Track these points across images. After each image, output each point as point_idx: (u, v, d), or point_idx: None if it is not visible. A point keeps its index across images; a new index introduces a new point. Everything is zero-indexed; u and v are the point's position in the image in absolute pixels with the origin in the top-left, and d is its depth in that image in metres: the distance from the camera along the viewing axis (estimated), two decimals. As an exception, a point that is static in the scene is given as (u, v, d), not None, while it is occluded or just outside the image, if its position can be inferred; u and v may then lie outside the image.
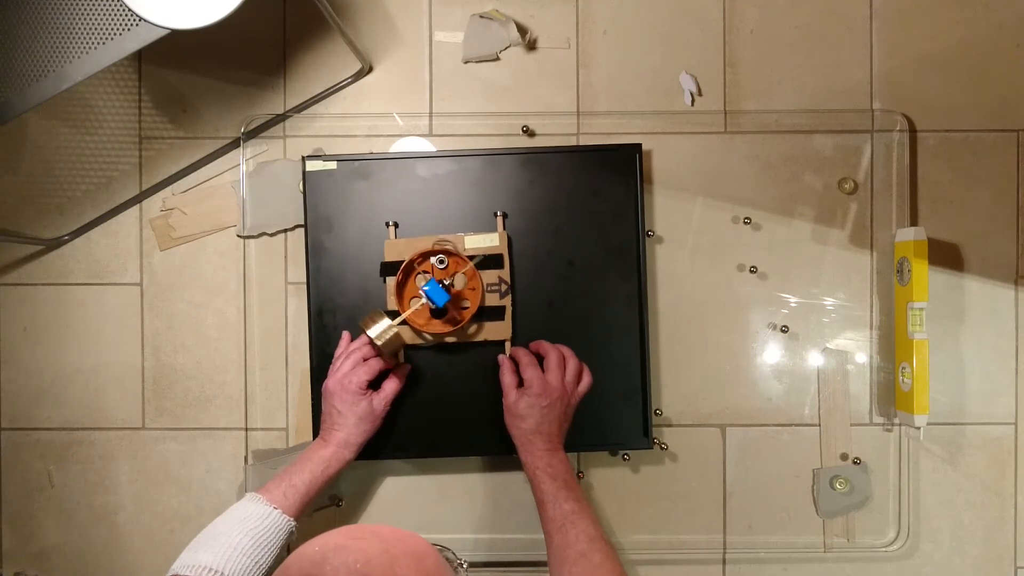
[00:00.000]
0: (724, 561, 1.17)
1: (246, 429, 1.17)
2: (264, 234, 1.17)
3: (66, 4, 0.90)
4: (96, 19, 0.90)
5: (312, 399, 1.11)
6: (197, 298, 1.19)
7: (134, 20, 0.89)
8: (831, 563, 1.17)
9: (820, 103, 1.18)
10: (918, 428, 1.10)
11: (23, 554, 1.19)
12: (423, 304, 1.04)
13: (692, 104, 1.18)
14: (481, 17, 1.17)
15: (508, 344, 1.10)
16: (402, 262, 1.07)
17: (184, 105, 1.19)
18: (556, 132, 1.18)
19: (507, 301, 1.10)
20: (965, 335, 1.18)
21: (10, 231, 1.17)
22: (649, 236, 1.15)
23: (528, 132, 1.17)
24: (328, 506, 1.16)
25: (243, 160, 1.17)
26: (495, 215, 1.11)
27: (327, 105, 1.19)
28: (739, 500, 1.17)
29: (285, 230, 1.17)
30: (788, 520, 1.17)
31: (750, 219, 1.17)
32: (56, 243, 1.19)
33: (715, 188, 1.17)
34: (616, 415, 1.12)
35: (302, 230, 1.17)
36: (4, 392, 1.19)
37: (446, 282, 1.02)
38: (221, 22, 0.88)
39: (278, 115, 1.18)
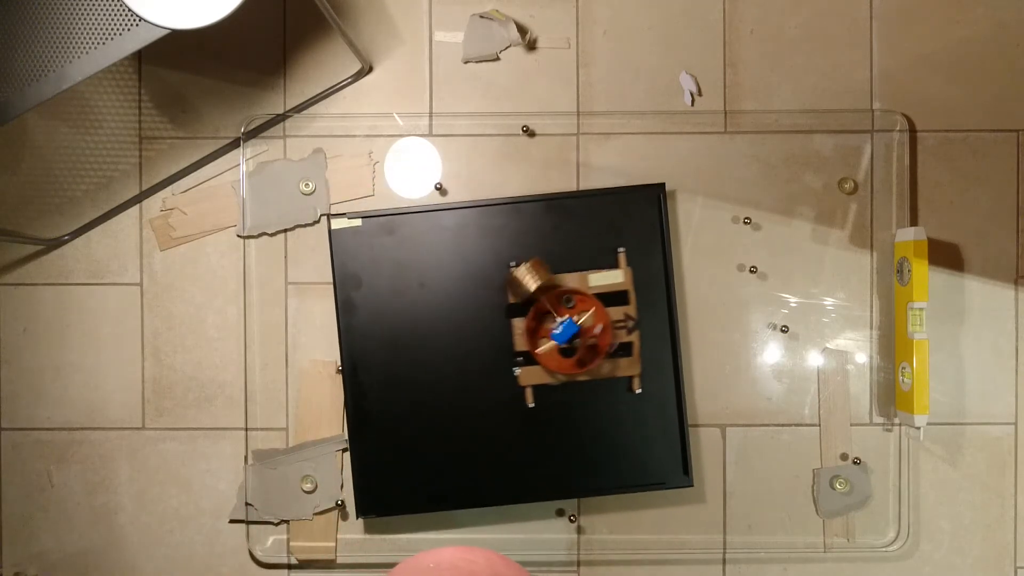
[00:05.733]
0: (724, 561, 1.17)
1: (246, 429, 1.17)
2: (264, 234, 1.17)
3: (66, 4, 0.90)
4: (96, 19, 0.90)
5: (352, 458, 1.12)
6: (197, 298, 1.19)
7: (134, 20, 0.89)
8: (831, 563, 1.17)
9: (820, 103, 1.18)
10: (918, 428, 1.10)
11: (23, 554, 1.19)
12: (552, 345, 1.06)
13: (692, 104, 1.18)
14: (481, 17, 1.17)
15: (636, 380, 1.11)
16: (529, 304, 1.08)
17: (184, 105, 1.19)
18: (556, 132, 1.18)
19: (635, 337, 1.10)
20: (965, 335, 1.18)
21: (10, 231, 1.17)
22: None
23: (528, 132, 1.17)
24: (331, 509, 1.16)
25: (243, 160, 1.17)
26: (616, 251, 1.11)
27: (327, 105, 1.19)
28: (739, 500, 1.17)
29: (285, 230, 1.17)
30: (788, 520, 1.17)
31: (750, 219, 1.17)
32: (56, 243, 1.19)
33: (715, 188, 1.17)
34: (653, 453, 1.12)
35: (301, 230, 1.17)
36: (4, 392, 1.19)
37: (575, 318, 1.04)
38: (221, 22, 0.88)
39: (278, 115, 1.18)
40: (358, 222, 1.12)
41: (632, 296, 1.10)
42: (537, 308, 1.07)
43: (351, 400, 1.12)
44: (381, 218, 1.12)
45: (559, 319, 1.06)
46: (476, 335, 1.12)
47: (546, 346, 1.07)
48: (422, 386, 1.12)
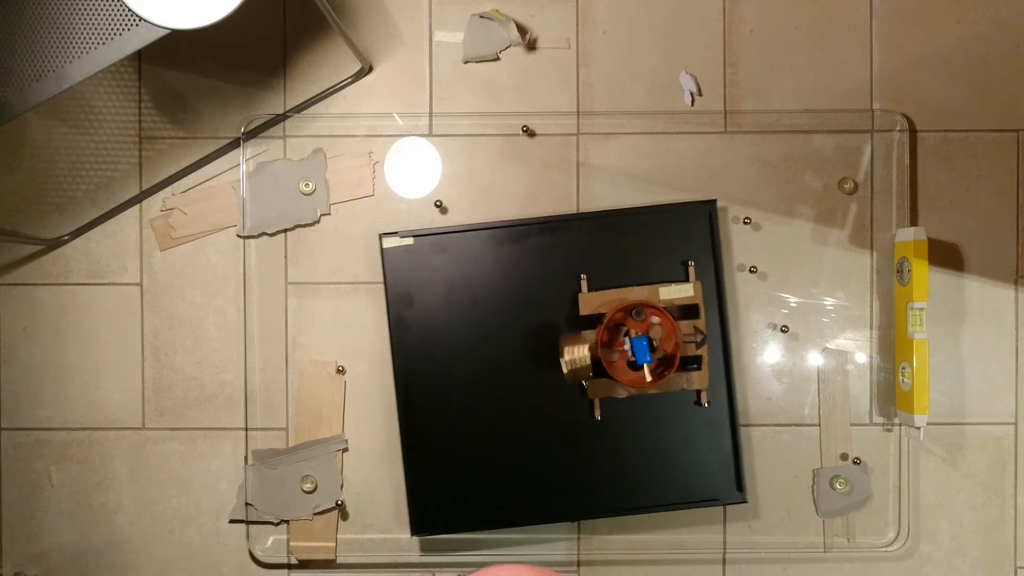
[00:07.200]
0: (724, 561, 1.17)
1: (246, 429, 1.17)
2: (264, 234, 1.17)
3: (66, 4, 0.90)
4: (96, 19, 0.90)
5: (406, 476, 1.12)
6: (197, 298, 1.19)
7: (134, 20, 0.89)
8: (831, 563, 1.17)
9: (820, 103, 1.18)
10: (918, 428, 1.10)
11: (23, 554, 1.19)
12: (626, 357, 1.06)
13: (692, 104, 1.18)
14: (481, 17, 1.17)
15: (704, 394, 1.11)
16: (598, 315, 1.08)
17: (184, 105, 1.19)
18: (556, 132, 1.18)
19: (703, 351, 1.10)
20: (965, 335, 1.18)
21: (10, 231, 1.17)
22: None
23: (528, 132, 1.17)
24: (331, 509, 1.16)
25: (243, 160, 1.17)
26: (685, 265, 1.11)
27: (327, 105, 1.19)
28: (739, 500, 1.17)
29: (285, 230, 1.17)
30: (788, 520, 1.17)
31: (750, 219, 1.17)
32: (56, 243, 1.19)
33: (715, 188, 1.17)
34: (705, 468, 1.12)
35: (301, 230, 1.17)
36: (4, 392, 1.19)
37: (643, 334, 1.04)
38: (221, 22, 0.88)
39: (278, 115, 1.18)
40: (409, 240, 1.11)
41: (702, 310, 1.10)
42: (609, 321, 1.06)
43: (404, 418, 1.11)
44: (432, 236, 1.11)
45: (631, 337, 1.06)
46: (530, 352, 1.11)
47: (614, 357, 1.07)
48: (475, 403, 1.12)
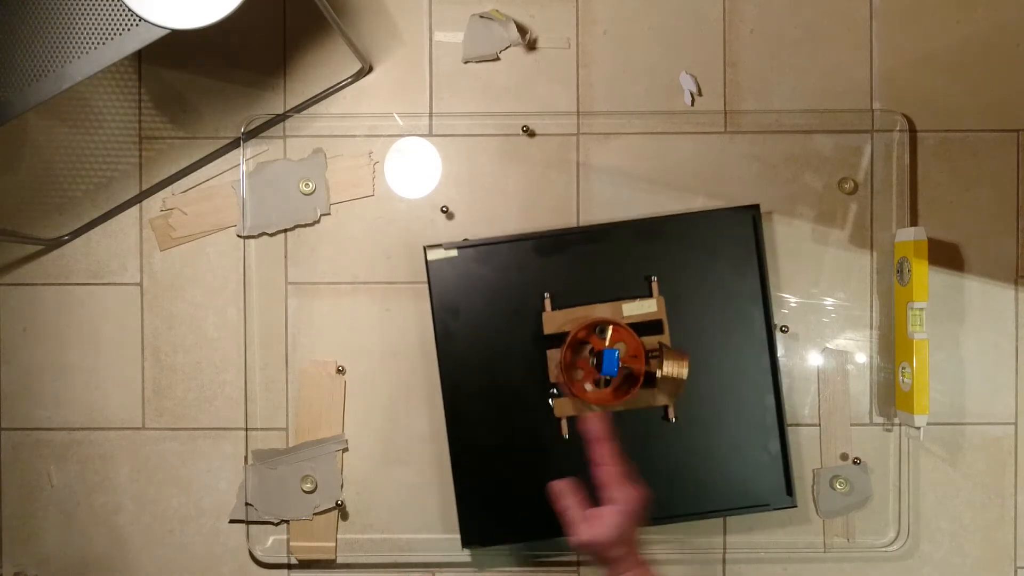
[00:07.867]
0: (724, 561, 1.17)
1: (246, 429, 1.17)
2: (264, 234, 1.17)
3: (66, 4, 0.90)
4: (96, 19, 0.90)
5: (456, 487, 1.11)
6: (197, 298, 1.19)
7: (134, 20, 0.89)
8: (831, 563, 1.17)
9: (820, 103, 1.18)
10: (918, 428, 1.10)
11: (23, 554, 1.19)
12: (594, 377, 1.06)
13: (692, 104, 1.18)
14: (481, 17, 1.17)
15: (672, 410, 1.10)
16: (562, 334, 1.07)
17: (184, 105, 1.19)
18: (556, 132, 1.18)
19: None
20: (965, 335, 1.18)
21: (10, 231, 1.17)
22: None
23: (528, 132, 1.18)
24: (331, 509, 1.16)
25: (243, 160, 1.17)
26: (647, 280, 1.10)
27: (327, 105, 1.19)
28: (739, 500, 1.17)
29: (285, 230, 1.17)
30: (788, 520, 1.17)
31: (750, 219, 1.17)
32: (56, 243, 1.19)
33: (715, 188, 1.17)
34: (754, 474, 1.11)
35: (301, 230, 1.17)
36: (4, 392, 1.19)
37: (607, 351, 1.04)
38: (221, 22, 0.88)
39: (278, 115, 1.18)
40: (454, 252, 1.11)
41: (666, 325, 1.09)
42: (572, 340, 1.06)
43: (452, 429, 1.11)
44: (475, 248, 1.11)
45: (597, 351, 1.05)
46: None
47: (578, 376, 1.06)
48: (517, 411, 1.11)
